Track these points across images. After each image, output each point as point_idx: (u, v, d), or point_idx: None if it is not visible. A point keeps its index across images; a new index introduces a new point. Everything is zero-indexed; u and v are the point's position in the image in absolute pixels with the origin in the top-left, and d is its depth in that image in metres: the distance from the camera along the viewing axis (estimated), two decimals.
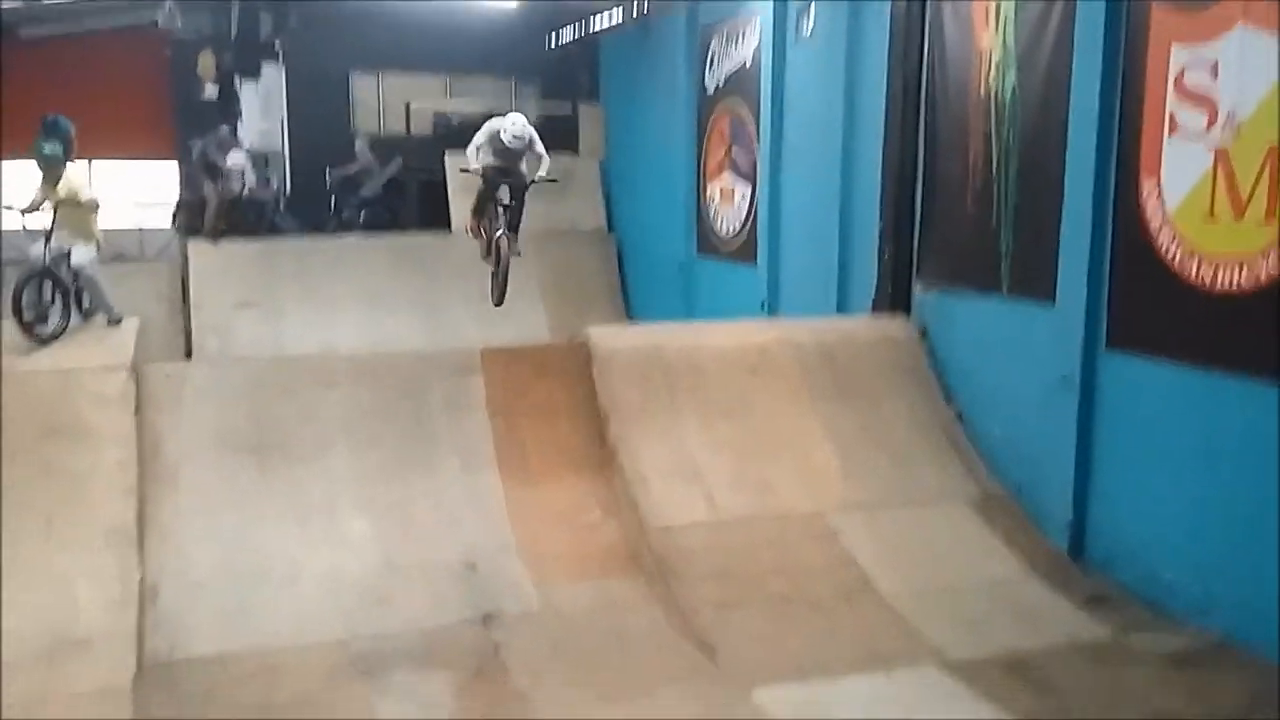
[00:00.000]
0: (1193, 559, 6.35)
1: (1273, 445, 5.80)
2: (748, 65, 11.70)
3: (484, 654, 6.15)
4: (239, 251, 13.72)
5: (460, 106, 16.90)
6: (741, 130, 11.93)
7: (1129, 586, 6.70)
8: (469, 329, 12.31)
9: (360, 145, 15.84)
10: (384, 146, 15.97)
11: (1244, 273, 6.03)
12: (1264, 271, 5.91)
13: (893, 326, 8.93)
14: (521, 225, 8.74)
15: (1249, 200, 6.03)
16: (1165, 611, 6.41)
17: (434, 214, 15.13)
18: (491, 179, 8.57)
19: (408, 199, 16.00)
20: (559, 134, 16.37)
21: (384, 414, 7.64)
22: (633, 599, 6.76)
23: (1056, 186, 7.37)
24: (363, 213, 15.55)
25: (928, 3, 8.79)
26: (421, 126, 16.67)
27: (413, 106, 16.74)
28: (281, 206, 15.26)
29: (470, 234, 9.10)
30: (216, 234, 13.75)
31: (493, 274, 8.84)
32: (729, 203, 12.30)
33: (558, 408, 7.95)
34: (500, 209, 8.63)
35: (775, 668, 5.87)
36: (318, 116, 16.29)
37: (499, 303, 8.85)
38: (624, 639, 6.33)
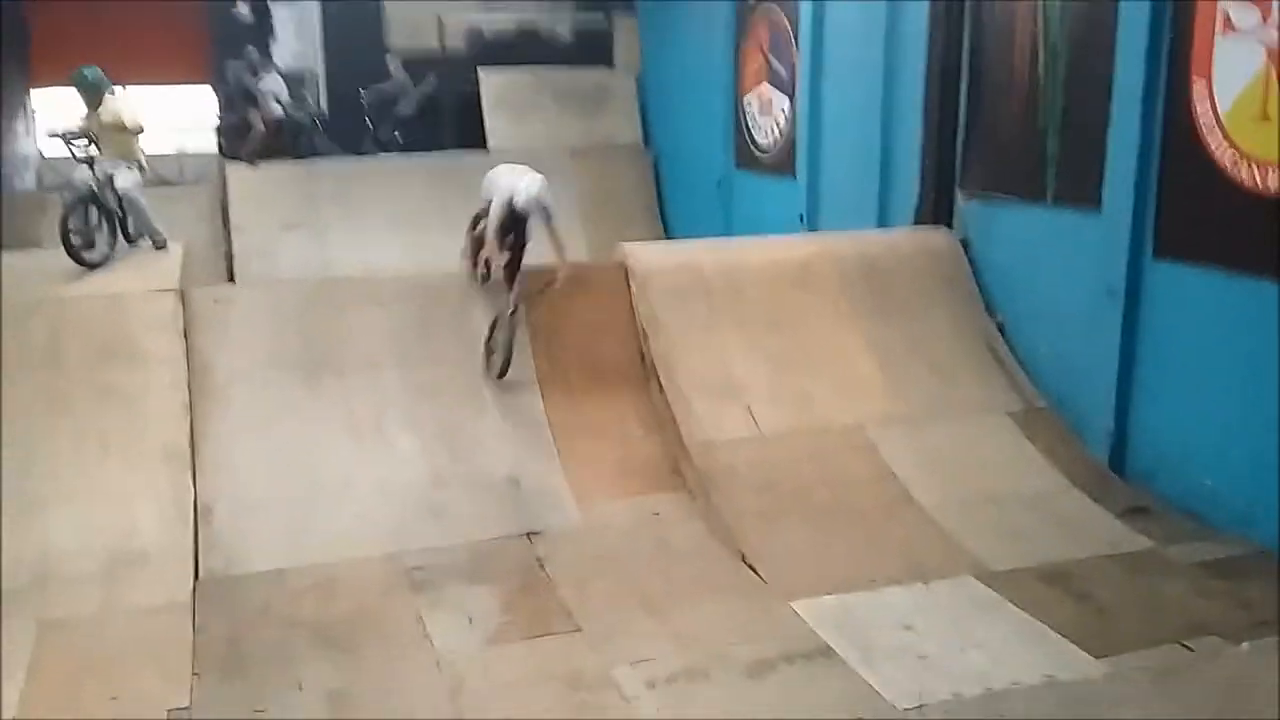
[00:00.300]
0: (1235, 468, 6.32)
1: None
2: None
3: (529, 568, 6.30)
4: (278, 174, 13.78)
5: (494, 20, 16.69)
6: (780, 39, 11.69)
7: (1169, 497, 6.69)
8: None
9: (393, 63, 15.73)
10: (418, 64, 15.84)
11: None
12: None
13: (935, 237, 8.82)
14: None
15: None
16: (1206, 521, 6.41)
17: (471, 132, 15.06)
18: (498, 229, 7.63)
19: (443, 117, 15.91)
20: (594, 48, 16.20)
21: (429, 333, 7.73)
22: (675, 513, 6.86)
23: (1104, 89, 7.18)
24: (399, 132, 15.51)
25: None
26: (455, 42, 16.46)
27: (445, 21, 16.53)
28: (320, 127, 15.23)
29: (465, 268, 8.12)
30: (256, 158, 13.80)
31: (487, 341, 7.66)
32: (767, 114, 12.11)
33: (597, 325, 7.98)
34: (503, 266, 7.63)
35: (817, 579, 5.94)
36: (351, 34, 16.13)
37: (501, 375, 7.56)
38: (667, 552, 6.44)
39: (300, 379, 7.28)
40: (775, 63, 11.87)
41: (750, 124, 12.55)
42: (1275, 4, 5.96)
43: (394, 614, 5.81)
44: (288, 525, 6.46)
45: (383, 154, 15.07)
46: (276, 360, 7.32)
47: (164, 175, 13.52)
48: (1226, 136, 6.33)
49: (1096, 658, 5.07)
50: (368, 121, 15.62)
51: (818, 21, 10.74)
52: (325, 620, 5.70)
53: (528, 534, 6.64)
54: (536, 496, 6.95)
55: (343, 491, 6.76)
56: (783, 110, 11.71)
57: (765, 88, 12.13)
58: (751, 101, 12.48)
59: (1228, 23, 6.31)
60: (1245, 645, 3.69)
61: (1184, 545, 6.21)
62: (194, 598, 5.85)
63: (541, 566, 6.29)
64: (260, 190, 13.50)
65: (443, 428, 7.30)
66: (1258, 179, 6.13)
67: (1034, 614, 5.49)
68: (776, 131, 11.89)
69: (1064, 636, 5.26)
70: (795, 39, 11.22)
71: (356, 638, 5.54)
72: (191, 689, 5.06)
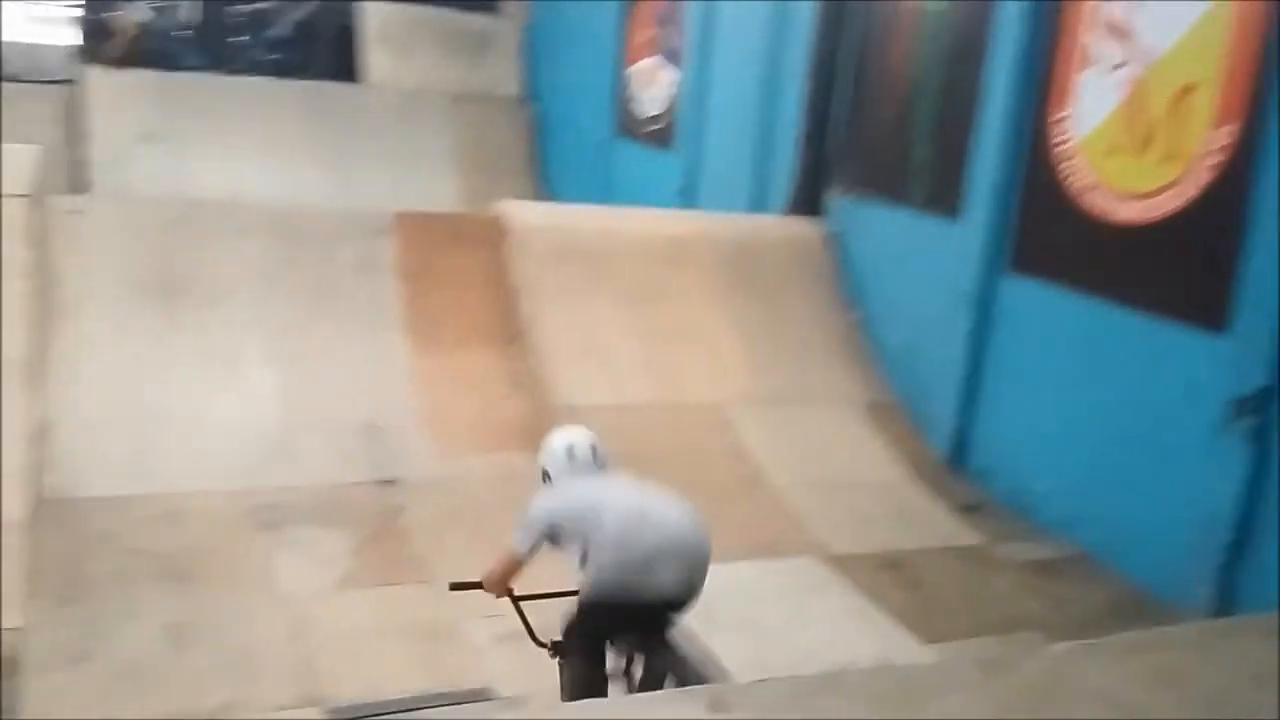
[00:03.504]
0: (1063, 475, 6.74)
1: (1151, 377, 6.18)
2: None
3: (383, 516, 6.27)
4: (139, 82, 13.02)
5: None
6: (672, 12, 11.74)
7: (1003, 496, 7.09)
8: (377, 188, 12.04)
9: None
10: None
11: (1141, 208, 6.29)
12: (1160, 209, 6.18)
13: (805, 229, 9.07)
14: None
15: (1153, 138, 6.25)
16: (1034, 522, 6.81)
17: (344, 63, 14.60)
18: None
19: (319, 44, 15.34)
20: None
21: (293, 269, 7.54)
22: (532, 473, 6.90)
23: (973, 106, 7.49)
24: (271, 54, 14.90)
25: None
26: None
27: None
28: (189, 39, 14.48)
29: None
30: (120, 63, 13.07)
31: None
32: (654, 85, 12.16)
33: (469, 279, 7.94)
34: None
35: None
36: None
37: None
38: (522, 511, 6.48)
39: (155, 303, 7.02)
40: (665, 35, 11.90)
41: (636, 92, 12.58)
42: (1137, 43, 6.32)
43: (239, 551, 5.72)
44: (135, 451, 6.27)
45: (253, 75, 14.46)
46: (131, 281, 7.04)
47: (14, 69, 12.69)
48: (1081, 164, 6.71)
49: (925, 643, 5.37)
50: (240, 38, 14.95)
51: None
52: (167, 552, 5.58)
53: (383, 481, 6.60)
54: (395, 444, 6.91)
55: (192, 422, 6.58)
56: (669, 83, 11.78)
57: (654, 58, 12.17)
58: (639, 70, 12.50)
59: (1091, 56, 6.65)
60: (1060, 646, 3.99)
61: (1012, 544, 6.58)
62: (33, 518, 5.60)
63: (396, 516, 6.28)
64: (119, 98, 12.75)
65: (302, 365, 7.16)
66: (1105, 207, 6.55)
67: (868, 596, 5.79)
68: (661, 103, 11.96)
69: (896, 621, 5.56)
70: (687, 13, 11.27)
71: (198, 572, 5.44)
72: (27, 610, 4.88)
